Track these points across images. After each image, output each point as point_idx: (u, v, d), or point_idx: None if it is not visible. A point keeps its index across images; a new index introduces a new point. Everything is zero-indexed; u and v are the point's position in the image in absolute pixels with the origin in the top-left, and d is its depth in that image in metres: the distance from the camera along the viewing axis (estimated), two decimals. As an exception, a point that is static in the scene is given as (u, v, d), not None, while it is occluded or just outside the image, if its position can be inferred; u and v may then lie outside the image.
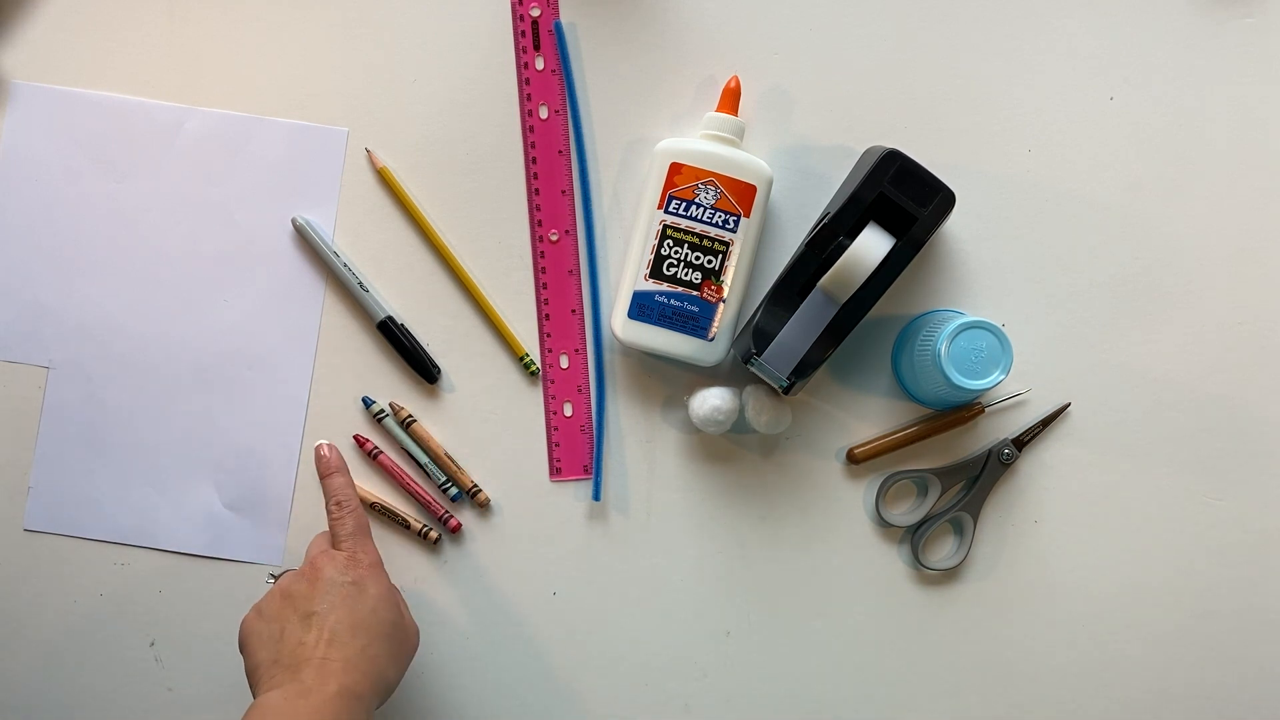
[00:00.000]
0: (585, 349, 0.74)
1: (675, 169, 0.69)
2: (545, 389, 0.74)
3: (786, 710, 0.74)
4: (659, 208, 0.69)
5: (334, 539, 0.66)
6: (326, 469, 0.68)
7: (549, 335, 0.74)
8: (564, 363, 0.74)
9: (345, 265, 0.73)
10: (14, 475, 0.74)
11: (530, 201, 0.74)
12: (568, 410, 0.74)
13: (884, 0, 0.73)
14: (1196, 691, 0.74)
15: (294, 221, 0.73)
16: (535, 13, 0.74)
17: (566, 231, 0.74)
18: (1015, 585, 0.74)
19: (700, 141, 0.70)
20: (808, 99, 0.74)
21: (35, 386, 0.74)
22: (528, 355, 0.73)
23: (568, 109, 0.74)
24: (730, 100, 0.71)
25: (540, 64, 0.74)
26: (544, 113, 0.74)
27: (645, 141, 0.73)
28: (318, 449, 0.69)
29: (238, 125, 0.74)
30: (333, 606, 0.61)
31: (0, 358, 0.74)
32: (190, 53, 0.74)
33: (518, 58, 0.74)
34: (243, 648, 0.63)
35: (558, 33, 0.73)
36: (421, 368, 0.73)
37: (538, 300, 0.74)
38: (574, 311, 0.74)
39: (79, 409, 0.74)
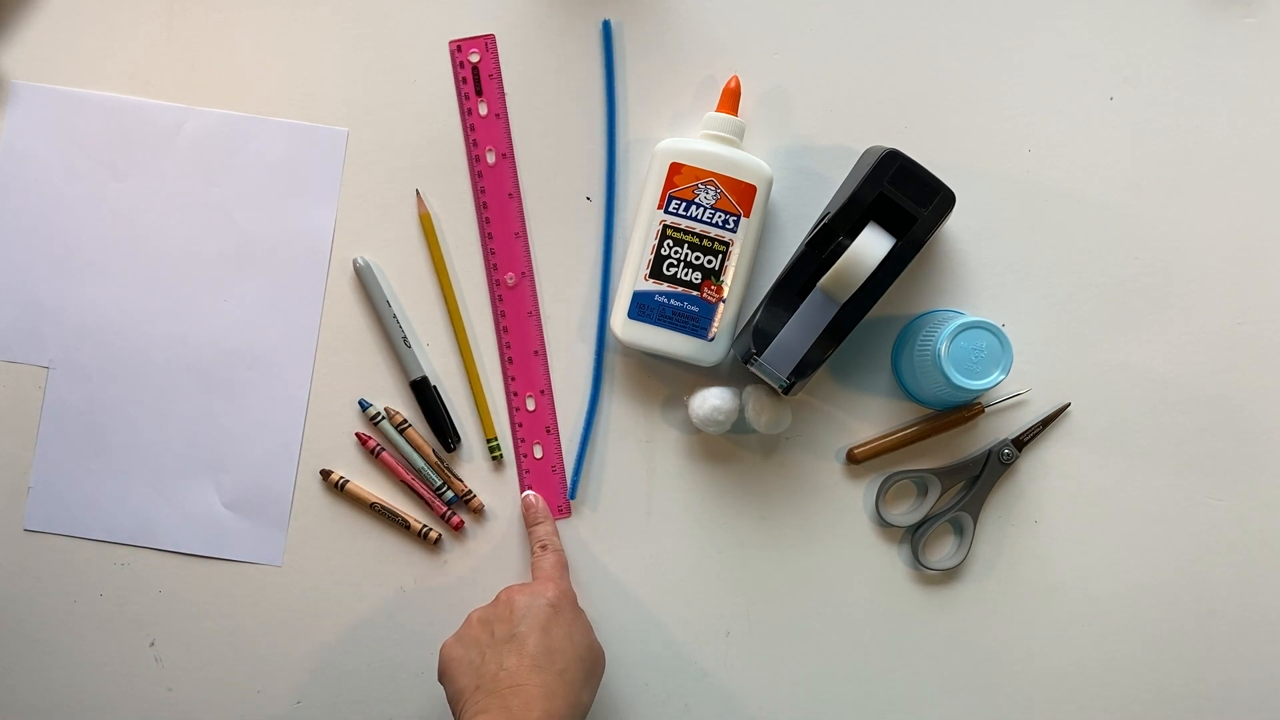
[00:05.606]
0: (550, 390, 0.73)
1: (675, 169, 0.69)
2: (514, 432, 0.73)
3: (786, 710, 0.74)
4: (659, 208, 0.69)
5: (534, 574, 0.69)
6: (534, 518, 0.71)
7: (513, 379, 0.73)
8: (530, 405, 0.73)
9: (394, 317, 0.73)
10: (14, 475, 0.74)
11: (484, 246, 0.73)
12: (538, 452, 0.73)
13: (884, 0, 0.73)
14: (1196, 691, 0.74)
15: (355, 262, 0.73)
16: (474, 58, 0.73)
17: (523, 274, 0.73)
18: (1015, 585, 0.74)
19: (700, 141, 0.70)
20: (808, 99, 0.74)
21: (35, 386, 0.74)
22: (495, 439, 0.73)
23: (605, 110, 0.73)
24: (730, 100, 0.71)
25: (484, 109, 0.73)
26: (491, 158, 0.73)
27: (645, 141, 0.73)
28: (525, 498, 0.72)
29: (238, 125, 0.74)
30: (531, 629, 0.63)
31: (0, 358, 0.74)
32: (190, 53, 0.74)
33: (460, 104, 0.73)
34: (443, 675, 0.64)
35: (605, 32, 0.73)
36: (441, 433, 0.73)
37: (499, 345, 0.73)
38: (536, 353, 0.73)
39: (79, 409, 0.74)
